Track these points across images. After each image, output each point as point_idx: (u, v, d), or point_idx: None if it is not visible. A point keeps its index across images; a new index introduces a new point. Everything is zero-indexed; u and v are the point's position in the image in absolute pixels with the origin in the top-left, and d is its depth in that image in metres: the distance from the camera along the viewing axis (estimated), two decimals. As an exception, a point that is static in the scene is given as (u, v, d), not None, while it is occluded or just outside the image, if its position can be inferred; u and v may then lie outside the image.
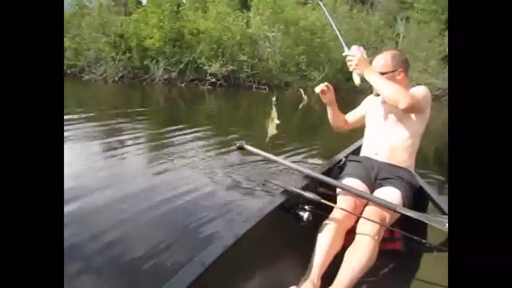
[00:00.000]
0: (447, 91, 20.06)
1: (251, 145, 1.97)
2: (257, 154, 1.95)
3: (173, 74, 15.94)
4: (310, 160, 4.59)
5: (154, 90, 14.63)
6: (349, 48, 1.75)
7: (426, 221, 1.49)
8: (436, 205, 1.82)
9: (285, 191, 1.58)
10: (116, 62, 15.21)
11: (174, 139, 5.29)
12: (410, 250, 1.67)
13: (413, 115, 1.73)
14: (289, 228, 1.55)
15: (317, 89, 1.87)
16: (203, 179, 3.42)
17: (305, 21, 18.17)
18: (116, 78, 15.47)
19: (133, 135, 5.35)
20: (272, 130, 1.74)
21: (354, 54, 1.64)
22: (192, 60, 16.04)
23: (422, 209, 1.86)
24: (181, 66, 15.87)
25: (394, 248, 1.72)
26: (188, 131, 5.89)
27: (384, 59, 1.79)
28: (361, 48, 1.74)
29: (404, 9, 31.69)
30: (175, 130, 5.92)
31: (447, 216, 1.53)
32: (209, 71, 15.84)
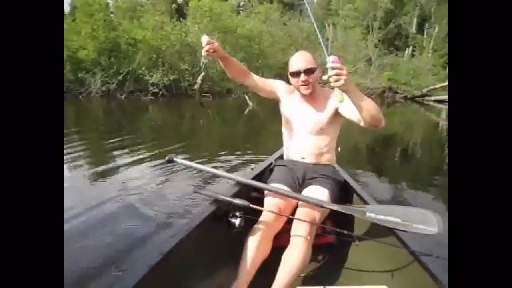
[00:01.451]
0: (375, 90, 21.94)
1: (185, 157, 2.01)
2: (189, 166, 1.92)
3: (112, 86, 15.31)
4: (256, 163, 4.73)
5: (91, 103, 13.92)
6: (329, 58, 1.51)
7: (347, 212, 1.56)
8: (359, 196, 1.92)
9: (215, 200, 1.59)
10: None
11: (111, 154, 5.17)
12: (342, 242, 1.71)
13: (337, 120, 1.82)
14: (222, 237, 1.54)
15: (204, 46, 1.55)
16: (132, 193, 3.30)
17: (242, 28, 18.63)
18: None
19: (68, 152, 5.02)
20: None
21: (342, 67, 1.34)
22: (131, 71, 15.55)
23: (348, 201, 1.96)
24: (120, 77, 15.31)
25: (327, 241, 1.78)
26: (124, 144, 5.77)
27: (307, 56, 1.76)
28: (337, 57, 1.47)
29: (330, 15, 34.00)
30: (113, 145, 5.74)
31: (366, 205, 1.65)
32: (150, 81, 15.50)
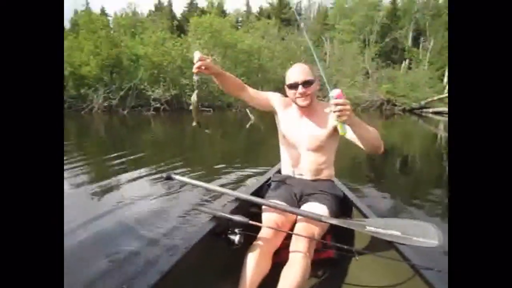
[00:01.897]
0: (374, 103, 22.18)
1: (186, 172, 2.00)
2: (187, 183, 1.91)
3: (114, 102, 15.46)
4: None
5: (94, 119, 14.03)
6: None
7: (347, 226, 1.54)
8: (358, 209, 1.89)
9: (214, 217, 1.58)
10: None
11: (111, 169, 5.15)
12: (342, 256, 1.69)
13: (336, 136, 1.77)
14: (221, 254, 1.53)
15: (196, 63, 1.50)
16: (130, 210, 3.28)
17: (242, 44, 18.93)
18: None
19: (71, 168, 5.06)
20: (195, 116, 1.61)
21: (346, 102, 1.32)
22: (133, 86, 15.73)
23: (347, 215, 1.95)
24: (122, 93, 15.47)
25: (327, 256, 1.76)
26: (123, 160, 5.77)
27: (304, 68, 1.74)
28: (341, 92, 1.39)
29: (327, 30, 34.56)
30: (113, 161, 5.72)
31: (366, 219, 1.64)
32: (152, 97, 15.66)
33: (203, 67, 1.50)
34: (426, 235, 1.40)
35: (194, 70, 1.51)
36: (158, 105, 15.89)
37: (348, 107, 1.32)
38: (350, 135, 1.53)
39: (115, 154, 6.10)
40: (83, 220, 2.95)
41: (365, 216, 1.76)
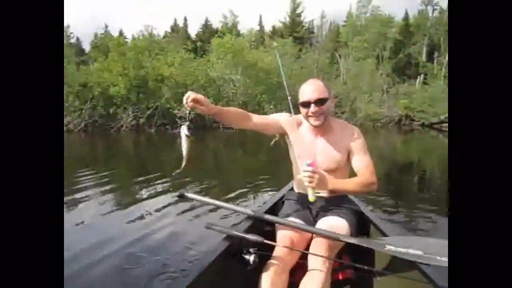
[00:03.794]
0: (392, 119, 22.32)
1: (197, 192, 1.98)
2: (200, 201, 1.87)
3: (141, 120, 15.98)
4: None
5: (122, 137, 14.52)
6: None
7: (366, 246, 1.48)
8: (376, 227, 1.82)
9: (228, 236, 1.54)
10: (83, 111, 14.93)
11: (133, 188, 5.24)
12: (360, 277, 1.63)
13: (348, 155, 1.74)
14: (236, 274, 1.47)
15: (185, 102, 1.43)
16: (143, 229, 3.26)
17: (262, 63, 19.45)
18: (80, 128, 15.12)
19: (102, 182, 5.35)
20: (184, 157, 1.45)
21: (315, 171, 1.45)
22: (160, 105, 16.26)
23: (365, 233, 1.89)
24: (149, 111, 16.00)
25: (346, 277, 1.69)
26: (149, 177, 5.80)
27: (317, 85, 1.65)
28: (315, 161, 1.54)
29: (340, 47, 35.09)
30: (138, 179, 5.87)
31: (385, 238, 1.58)
32: (178, 115, 16.13)
33: (191, 104, 1.42)
34: None
35: (188, 104, 1.40)
36: (184, 123, 16.31)
37: (316, 176, 1.46)
38: (356, 160, 1.69)
39: (141, 173, 6.30)
40: (96, 237, 3.01)
41: (384, 234, 1.69)
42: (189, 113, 1.45)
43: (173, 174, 1.54)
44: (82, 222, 3.53)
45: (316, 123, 1.65)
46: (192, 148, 1.42)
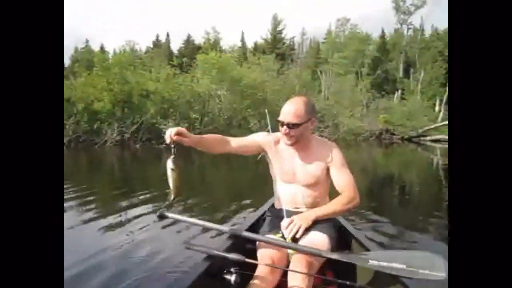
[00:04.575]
0: (372, 132, 22.96)
1: (181, 210, 1.93)
2: (180, 221, 1.85)
3: (126, 135, 15.84)
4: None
5: (106, 152, 14.29)
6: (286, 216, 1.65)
7: (350, 261, 1.46)
8: (358, 241, 1.82)
9: (209, 256, 1.51)
10: (66, 127, 14.67)
11: (117, 205, 5.02)
12: None
13: (327, 171, 1.75)
14: None
15: (167, 138, 1.46)
16: (120, 248, 3.11)
17: (246, 78, 19.74)
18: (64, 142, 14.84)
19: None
20: (173, 189, 1.47)
21: (295, 223, 1.54)
22: (145, 120, 16.19)
23: (347, 248, 1.89)
24: (134, 127, 15.90)
25: None
26: (134, 195, 5.58)
27: (296, 108, 1.63)
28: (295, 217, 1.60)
29: (320, 63, 36.05)
30: (122, 196, 5.66)
31: (368, 252, 1.56)
32: (164, 130, 16.08)
33: (180, 137, 1.46)
34: (433, 267, 1.32)
35: (172, 138, 1.44)
36: (170, 138, 16.31)
37: (298, 227, 1.53)
38: (334, 175, 1.73)
39: (123, 190, 6.14)
40: (83, 255, 2.86)
41: (366, 249, 1.70)
42: (174, 147, 1.45)
43: (162, 208, 1.52)
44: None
45: (287, 142, 1.70)
46: (181, 180, 1.44)
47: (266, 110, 2.02)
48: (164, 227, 3.66)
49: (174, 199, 1.48)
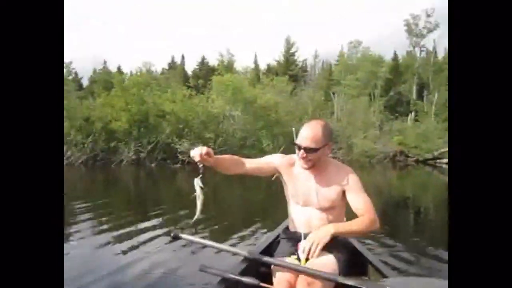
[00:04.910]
0: (386, 154, 22.78)
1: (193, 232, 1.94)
2: (194, 242, 1.81)
3: (142, 155, 16.12)
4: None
5: (122, 171, 14.56)
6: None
7: (365, 287, 1.43)
8: (374, 267, 1.79)
9: (223, 279, 1.49)
10: (85, 145, 15.03)
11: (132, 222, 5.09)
12: None
13: (343, 194, 1.73)
14: None
15: (197, 156, 1.48)
16: (134, 267, 3.13)
17: (260, 99, 20.03)
18: (81, 161, 15.17)
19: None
20: (198, 210, 1.50)
21: (313, 240, 1.52)
22: (161, 140, 16.48)
23: (363, 273, 1.86)
24: (150, 146, 16.18)
25: None
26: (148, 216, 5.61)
27: (314, 133, 1.63)
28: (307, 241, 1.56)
29: (332, 85, 36.23)
30: (137, 217, 5.68)
31: (385, 279, 1.53)
32: (179, 150, 16.32)
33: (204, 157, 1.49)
34: None
35: (203, 157, 1.48)
36: (185, 158, 16.50)
37: (313, 247, 1.49)
38: (352, 199, 1.69)
39: (138, 211, 6.20)
40: (93, 275, 2.89)
41: (382, 274, 1.66)
42: (202, 166, 1.47)
43: (191, 223, 1.57)
44: (67, 254, 3.44)
45: (304, 166, 1.69)
46: (205, 198, 1.46)
47: (293, 129, 2.02)
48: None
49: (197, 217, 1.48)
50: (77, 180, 11.97)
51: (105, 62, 42.90)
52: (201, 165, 1.47)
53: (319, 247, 1.48)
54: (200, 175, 1.46)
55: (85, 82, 39.49)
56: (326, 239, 1.52)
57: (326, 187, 1.70)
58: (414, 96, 36.75)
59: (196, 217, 1.47)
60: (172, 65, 46.13)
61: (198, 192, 1.45)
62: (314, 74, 45.38)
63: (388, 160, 22.76)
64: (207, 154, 1.49)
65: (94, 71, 41.41)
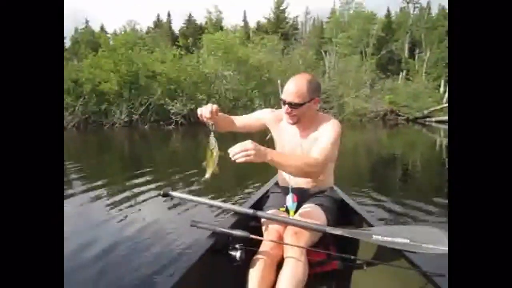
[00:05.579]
0: (378, 113, 22.99)
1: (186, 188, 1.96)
2: (185, 199, 1.85)
3: (134, 117, 15.93)
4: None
5: (115, 133, 14.45)
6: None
7: (354, 237, 1.48)
8: (360, 217, 1.85)
9: (214, 233, 1.53)
10: (76, 108, 14.76)
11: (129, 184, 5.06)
12: (347, 267, 1.63)
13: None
14: (223, 271, 1.47)
15: (207, 113, 1.47)
16: (128, 226, 3.18)
17: (253, 59, 19.63)
18: (73, 124, 14.96)
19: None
20: (212, 166, 1.44)
21: (248, 148, 1.31)
22: (153, 102, 16.24)
23: (350, 223, 1.91)
24: (142, 108, 15.97)
25: (332, 268, 1.67)
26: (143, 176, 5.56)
27: (298, 88, 1.57)
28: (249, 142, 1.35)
29: (324, 43, 35.59)
30: (128, 173, 5.87)
31: (372, 228, 1.57)
32: (172, 111, 16.16)
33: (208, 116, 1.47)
34: (436, 240, 1.36)
35: (213, 115, 1.46)
36: (179, 119, 16.38)
37: (251, 153, 1.30)
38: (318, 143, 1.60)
39: (131, 172, 6.12)
40: (90, 234, 2.97)
41: (369, 224, 1.71)
42: (212, 124, 1.48)
43: (205, 178, 1.36)
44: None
45: (289, 121, 1.65)
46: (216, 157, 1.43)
47: (278, 81, 1.96)
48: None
49: (209, 176, 1.46)
50: (69, 142, 11.90)
51: (87, 21, 41.05)
52: (211, 122, 1.47)
53: (245, 154, 1.31)
54: (212, 132, 1.45)
55: (67, 43, 37.83)
56: (260, 158, 1.35)
57: (311, 141, 1.66)
58: (406, 54, 36.48)
59: (208, 174, 1.45)
60: (158, 23, 44.36)
61: (214, 149, 1.43)
62: (305, 31, 44.37)
63: (378, 119, 23.01)
64: (216, 111, 1.48)
65: (76, 30, 39.62)
